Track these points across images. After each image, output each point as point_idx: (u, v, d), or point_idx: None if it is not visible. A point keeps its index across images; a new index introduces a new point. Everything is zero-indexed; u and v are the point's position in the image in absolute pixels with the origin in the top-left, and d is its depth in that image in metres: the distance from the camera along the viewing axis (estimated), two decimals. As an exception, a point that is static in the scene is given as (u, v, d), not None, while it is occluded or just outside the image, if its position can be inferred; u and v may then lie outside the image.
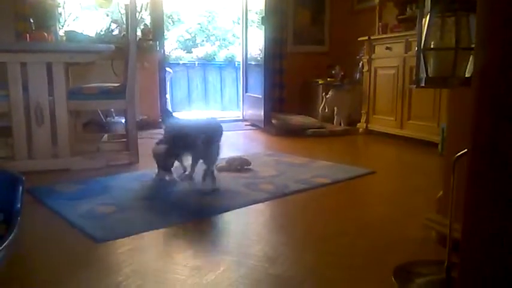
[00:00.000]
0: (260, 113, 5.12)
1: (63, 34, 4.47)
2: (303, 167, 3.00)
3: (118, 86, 3.23)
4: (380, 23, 4.77)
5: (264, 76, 5.12)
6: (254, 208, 2.22)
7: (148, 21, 5.27)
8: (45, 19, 4.22)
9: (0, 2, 4.00)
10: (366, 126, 4.68)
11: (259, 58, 5.45)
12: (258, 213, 2.19)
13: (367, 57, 4.62)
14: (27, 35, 3.29)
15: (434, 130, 3.67)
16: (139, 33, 4.93)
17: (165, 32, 6.01)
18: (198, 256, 1.60)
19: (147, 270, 1.49)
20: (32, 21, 3.49)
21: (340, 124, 5.07)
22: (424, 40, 1.20)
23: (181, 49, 9.33)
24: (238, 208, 2.18)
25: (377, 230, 1.91)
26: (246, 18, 5.81)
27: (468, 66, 1.17)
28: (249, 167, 2.95)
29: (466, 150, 0.86)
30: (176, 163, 2.64)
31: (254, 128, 5.26)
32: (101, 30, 4.71)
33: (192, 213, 2.06)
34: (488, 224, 0.82)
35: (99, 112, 4.59)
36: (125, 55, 3.27)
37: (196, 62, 8.55)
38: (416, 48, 1.25)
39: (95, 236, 1.76)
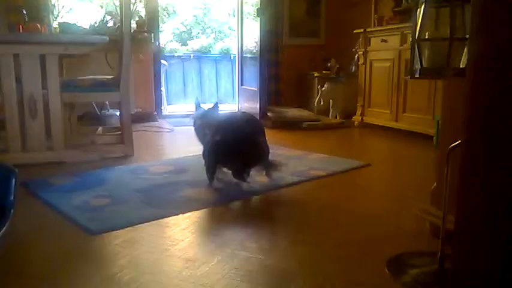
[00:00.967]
0: (256, 105, 5.11)
1: (57, 26, 4.43)
2: (298, 160, 3.00)
3: (112, 78, 3.21)
4: (376, 16, 4.76)
5: (259, 69, 5.11)
6: (249, 200, 2.22)
7: (143, 13, 5.23)
8: (39, 10, 4.18)
9: (-7, -7, 3.95)
10: (361, 119, 4.68)
11: (254, 51, 5.42)
12: (253, 205, 2.19)
13: (363, 49, 4.61)
14: (20, 26, 3.24)
15: (429, 123, 3.68)
16: (134, 25, 4.89)
17: (160, 24, 5.98)
18: (192, 248, 1.60)
19: (142, 262, 1.49)
20: (25, 12, 3.44)
21: (336, 117, 5.07)
22: (419, 31, 1.20)
23: (177, 41, 9.28)
24: (232, 200, 2.18)
25: (371, 221, 1.92)
26: (242, 11, 5.77)
27: (463, 57, 1.17)
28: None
29: (459, 141, 0.86)
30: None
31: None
32: (95, 22, 4.67)
33: (185, 206, 2.06)
34: (481, 215, 0.82)
35: (94, 105, 4.57)
36: (119, 47, 3.24)
37: (192, 55, 8.51)
38: (411, 40, 1.24)
39: (89, 228, 1.75)
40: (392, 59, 4.18)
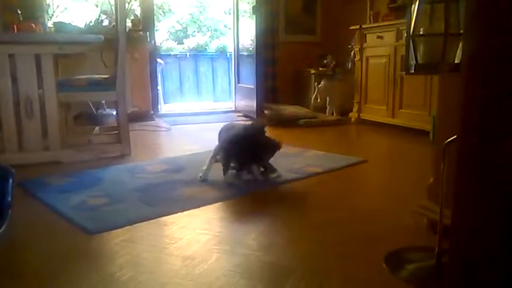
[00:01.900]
0: (252, 103, 5.11)
1: (52, 25, 4.41)
2: (295, 157, 3.01)
3: (108, 77, 3.20)
4: (371, 12, 4.76)
5: (256, 66, 5.10)
6: (247, 198, 2.22)
7: (138, 12, 5.21)
8: (33, 10, 4.16)
9: (-13, -7, 3.93)
10: (358, 116, 4.69)
11: (251, 48, 5.42)
12: (250, 202, 2.19)
13: (359, 46, 4.61)
14: (15, 26, 3.23)
15: (425, 119, 3.69)
16: (129, 24, 4.87)
17: (156, 23, 5.96)
18: (190, 246, 1.61)
19: (140, 260, 1.49)
20: (19, 12, 3.43)
21: (333, 114, 5.07)
22: (414, 26, 1.20)
23: (173, 40, 9.26)
24: (231, 198, 2.19)
25: (369, 217, 1.92)
26: (237, 8, 5.76)
27: (457, 53, 1.17)
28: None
29: (455, 136, 0.87)
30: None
31: (247, 119, 5.25)
32: (90, 21, 4.65)
33: (183, 204, 2.06)
34: (477, 210, 0.83)
35: (90, 104, 4.56)
36: (114, 46, 3.23)
37: (188, 53, 8.50)
38: (405, 35, 1.25)
39: (87, 227, 1.75)
40: (388, 55, 4.19)
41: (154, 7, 5.62)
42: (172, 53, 8.49)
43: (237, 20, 5.79)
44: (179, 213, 1.94)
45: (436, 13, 1.19)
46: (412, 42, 1.23)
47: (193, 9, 9.54)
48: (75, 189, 2.28)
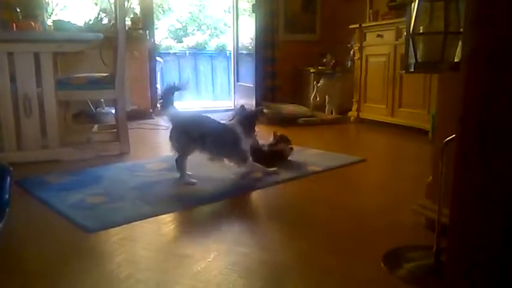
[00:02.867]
0: (252, 102, 5.11)
1: (51, 24, 4.40)
2: (294, 155, 3.00)
3: (107, 75, 3.20)
4: (371, 11, 4.75)
5: (255, 65, 5.10)
6: (245, 196, 2.22)
7: (138, 10, 5.20)
8: (32, 8, 4.14)
9: (-15, -10, 3.92)
10: (357, 115, 4.68)
11: (250, 47, 5.42)
12: (249, 201, 2.19)
13: (358, 45, 4.61)
14: (14, 24, 3.21)
15: (424, 118, 3.68)
16: (128, 22, 4.86)
17: (155, 22, 5.95)
18: (188, 244, 1.60)
19: (139, 258, 1.49)
20: (18, 10, 3.41)
21: (332, 112, 5.07)
22: (413, 25, 1.20)
23: (172, 38, 9.25)
24: (229, 196, 2.18)
25: (368, 216, 1.92)
26: (237, 7, 5.76)
27: (457, 51, 1.17)
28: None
29: (454, 135, 0.86)
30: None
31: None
32: (90, 20, 4.65)
33: (182, 202, 2.05)
34: (475, 209, 0.82)
35: (89, 103, 4.55)
36: (114, 44, 3.22)
37: (187, 52, 8.48)
38: (405, 34, 1.24)
39: (86, 225, 1.75)
40: (388, 53, 4.18)
41: (154, 5, 5.61)
42: (171, 51, 8.47)
43: (237, 19, 5.79)
44: (177, 212, 1.94)
45: (436, 11, 1.19)
46: (412, 41, 1.22)
47: (192, 7, 9.53)
48: (73, 188, 2.27)
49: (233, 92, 6.07)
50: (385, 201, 2.14)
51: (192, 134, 2.30)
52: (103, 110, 4.61)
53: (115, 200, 2.07)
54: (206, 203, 2.07)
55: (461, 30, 1.12)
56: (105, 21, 4.72)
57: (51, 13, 4.78)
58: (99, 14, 4.79)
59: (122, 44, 3.07)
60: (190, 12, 9.53)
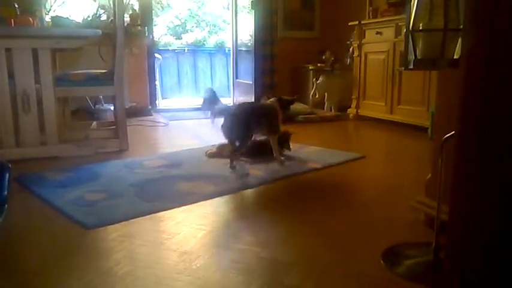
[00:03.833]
0: (251, 99, 5.09)
1: (50, 20, 4.39)
2: (293, 153, 3.00)
3: (106, 72, 3.19)
4: (370, 8, 4.74)
5: (254, 62, 5.09)
6: (245, 193, 2.22)
7: (136, 6, 5.19)
8: (31, 4, 4.12)
9: (-17, -14, 3.90)
10: (356, 112, 4.68)
11: (249, 44, 5.41)
12: (248, 198, 2.19)
13: (358, 42, 4.60)
14: (12, 20, 3.20)
15: (424, 115, 3.69)
16: (127, 18, 4.85)
17: (154, 18, 5.93)
18: (187, 241, 1.60)
19: (137, 255, 1.49)
20: (16, 6, 3.39)
21: (331, 110, 5.07)
22: (413, 21, 1.20)
23: (171, 35, 9.22)
24: (228, 193, 2.18)
25: (367, 213, 1.92)
26: (236, 4, 5.75)
27: (457, 48, 1.17)
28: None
29: (454, 132, 0.86)
30: None
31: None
32: (88, 16, 4.63)
33: (180, 199, 2.05)
34: (474, 206, 0.82)
35: (88, 99, 4.54)
36: (112, 41, 3.21)
37: (186, 48, 8.46)
38: (405, 30, 1.24)
39: (84, 222, 1.75)
40: (387, 51, 4.18)
41: (153, 2, 5.60)
42: (170, 48, 8.45)
43: (236, 16, 5.77)
44: (176, 209, 1.94)
45: (436, 8, 1.18)
46: (411, 38, 1.22)
47: (191, 4, 9.50)
48: (72, 184, 2.27)
49: (232, 89, 6.06)
50: (384, 198, 2.14)
51: (251, 119, 2.57)
52: (102, 107, 4.60)
53: (114, 197, 2.07)
54: (205, 200, 2.07)
55: (461, 27, 1.12)
56: (103, 17, 4.70)
57: (50, 9, 4.76)
58: (97, 10, 4.77)
59: (121, 41, 3.07)
60: (189, 9, 9.50)
